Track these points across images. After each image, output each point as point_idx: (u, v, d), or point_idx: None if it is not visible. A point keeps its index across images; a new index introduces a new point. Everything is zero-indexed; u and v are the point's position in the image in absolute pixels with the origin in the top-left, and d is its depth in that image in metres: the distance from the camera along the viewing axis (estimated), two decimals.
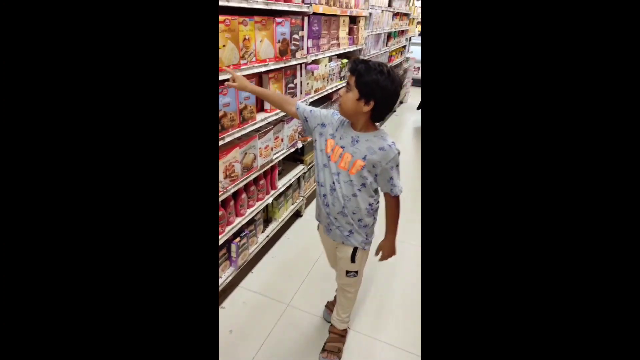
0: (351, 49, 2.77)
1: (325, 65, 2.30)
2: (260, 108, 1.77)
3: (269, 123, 1.76)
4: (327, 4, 2.11)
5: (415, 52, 6.35)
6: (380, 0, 3.46)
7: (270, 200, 1.92)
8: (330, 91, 2.46)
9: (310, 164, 2.38)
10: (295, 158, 2.32)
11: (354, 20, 2.85)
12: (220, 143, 1.40)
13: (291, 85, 1.91)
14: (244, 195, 1.69)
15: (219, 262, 1.63)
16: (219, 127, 1.37)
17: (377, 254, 1.29)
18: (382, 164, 1.08)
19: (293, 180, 2.19)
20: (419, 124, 4.79)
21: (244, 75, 1.48)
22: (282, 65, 1.73)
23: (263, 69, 1.57)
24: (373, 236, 1.28)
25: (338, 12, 2.29)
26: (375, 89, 1.01)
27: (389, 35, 4.22)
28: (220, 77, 1.30)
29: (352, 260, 1.25)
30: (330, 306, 1.61)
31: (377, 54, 3.66)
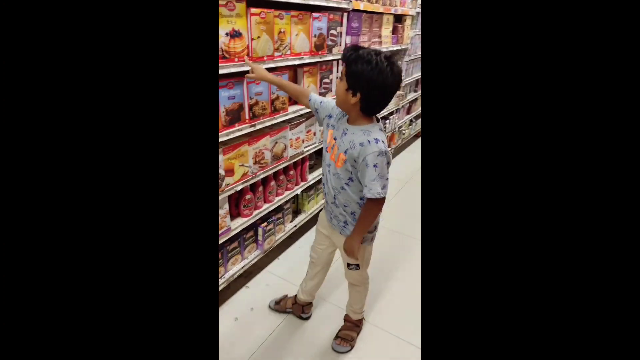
0: (394, 48, 2.75)
1: None
2: (294, 101, 1.83)
3: (300, 115, 1.82)
4: (369, 1, 2.12)
5: None
6: None
7: (299, 192, 1.98)
8: None
9: None
10: None
11: (399, 19, 2.82)
12: (251, 130, 1.48)
13: (326, 80, 1.95)
14: (272, 183, 1.76)
15: (246, 243, 1.72)
16: (251, 115, 1.46)
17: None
18: (359, 160, 1.01)
19: None
20: None
21: (278, 67, 1.56)
22: (318, 59, 1.78)
23: (297, 62, 1.63)
24: (375, 231, 1.25)
25: (381, 10, 2.30)
26: (360, 80, 0.95)
27: None
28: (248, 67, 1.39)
29: None
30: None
31: None
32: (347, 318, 1.50)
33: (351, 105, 1.02)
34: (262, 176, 1.63)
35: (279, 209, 1.89)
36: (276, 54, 1.49)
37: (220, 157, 1.38)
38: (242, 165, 1.50)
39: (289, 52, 1.57)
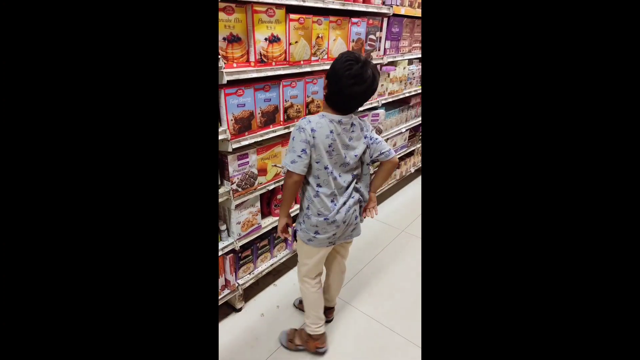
0: None
1: (404, 68, 2.28)
2: None
3: None
4: (410, 5, 2.10)
5: None
6: None
7: None
8: (407, 95, 2.42)
9: (377, 166, 2.37)
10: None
11: None
12: (285, 131, 1.53)
13: None
14: None
15: (276, 242, 1.76)
16: (285, 117, 1.51)
17: None
18: None
19: None
20: None
21: (314, 71, 1.59)
22: None
23: None
24: (313, 229, 1.21)
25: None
26: (330, 69, 1.07)
27: None
28: (290, 71, 1.43)
29: (294, 238, 1.29)
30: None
31: None
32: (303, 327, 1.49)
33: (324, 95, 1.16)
34: None
35: None
36: (313, 58, 1.52)
37: (254, 157, 1.43)
38: (275, 165, 1.55)
39: (325, 56, 1.60)
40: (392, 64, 2.17)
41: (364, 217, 1.34)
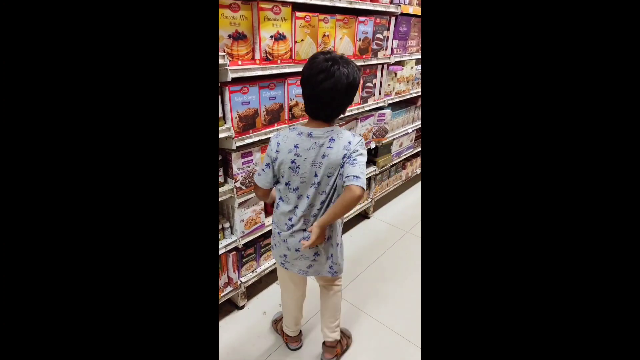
0: None
1: (412, 68, 2.26)
2: None
3: (340, 119, 1.82)
4: (419, 5, 2.08)
5: None
6: None
7: None
8: (415, 95, 2.40)
9: (383, 166, 2.36)
10: (368, 159, 2.33)
11: None
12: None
13: (369, 84, 1.94)
14: None
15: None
16: (290, 115, 1.50)
17: None
18: None
19: None
20: None
21: None
22: (361, 63, 1.78)
23: None
24: (275, 245, 1.16)
25: None
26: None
27: None
28: (296, 69, 1.43)
29: None
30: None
31: None
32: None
33: None
34: None
35: None
36: None
37: (259, 155, 1.43)
38: None
39: None
40: (400, 63, 2.15)
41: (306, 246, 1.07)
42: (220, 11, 1.13)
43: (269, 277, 1.84)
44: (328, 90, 0.93)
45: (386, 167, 2.42)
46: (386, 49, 1.95)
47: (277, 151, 1.02)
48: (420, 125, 2.65)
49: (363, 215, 2.44)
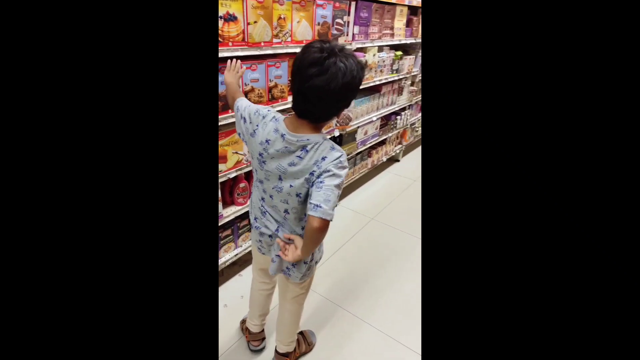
0: (408, 41, 2.67)
1: (374, 55, 2.25)
2: None
3: None
4: None
5: None
6: None
7: None
8: (378, 83, 2.40)
9: (348, 155, 2.35)
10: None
11: (415, 11, 2.73)
12: None
13: None
14: None
15: (240, 231, 1.71)
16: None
17: None
18: None
19: None
20: None
21: (278, 54, 1.53)
22: None
23: (298, 50, 1.60)
24: (253, 229, 1.10)
25: (393, 0, 2.22)
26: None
27: None
28: (249, 53, 1.37)
29: None
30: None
31: None
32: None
33: None
34: None
35: None
36: (275, 40, 1.46)
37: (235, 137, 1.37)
38: (236, 152, 1.49)
39: (289, 39, 1.54)
40: (362, 50, 2.14)
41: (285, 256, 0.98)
42: None
43: (232, 269, 1.79)
44: (318, 87, 0.77)
45: (351, 155, 2.42)
46: (347, 35, 1.92)
47: (254, 130, 0.92)
48: (385, 113, 2.66)
49: None
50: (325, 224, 0.82)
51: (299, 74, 0.80)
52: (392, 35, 2.40)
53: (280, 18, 1.45)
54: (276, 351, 1.33)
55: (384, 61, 2.40)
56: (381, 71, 2.42)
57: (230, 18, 1.25)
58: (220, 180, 1.47)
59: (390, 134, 2.91)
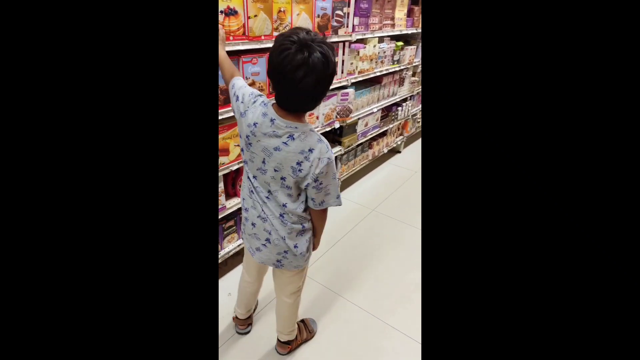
0: (409, 32, 2.65)
1: (374, 46, 2.25)
2: None
3: None
4: None
5: None
6: None
7: None
8: (378, 74, 2.40)
9: (348, 146, 2.37)
10: (333, 139, 2.33)
11: (416, 1, 2.71)
12: None
13: None
14: None
15: None
16: None
17: None
18: None
19: None
20: None
21: None
22: None
23: None
24: (245, 220, 1.12)
25: None
26: (268, 64, 0.88)
27: None
28: (250, 47, 1.38)
29: None
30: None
31: None
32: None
33: None
34: None
35: None
36: (275, 33, 1.47)
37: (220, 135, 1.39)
38: (238, 145, 1.51)
39: None
40: (362, 41, 2.13)
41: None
42: None
43: (236, 259, 1.84)
44: (311, 85, 0.80)
45: (352, 146, 2.43)
46: (347, 27, 1.92)
47: (244, 110, 0.95)
48: (386, 105, 2.67)
49: None
50: (322, 210, 1.02)
51: (285, 80, 0.81)
52: (393, 25, 2.39)
53: (280, 11, 1.46)
54: (278, 340, 1.38)
55: (384, 52, 2.40)
56: (382, 62, 2.42)
57: (231, 12, 1.26)
58: (222, 172, 1.50)
59: (391, 125, 2.92)
